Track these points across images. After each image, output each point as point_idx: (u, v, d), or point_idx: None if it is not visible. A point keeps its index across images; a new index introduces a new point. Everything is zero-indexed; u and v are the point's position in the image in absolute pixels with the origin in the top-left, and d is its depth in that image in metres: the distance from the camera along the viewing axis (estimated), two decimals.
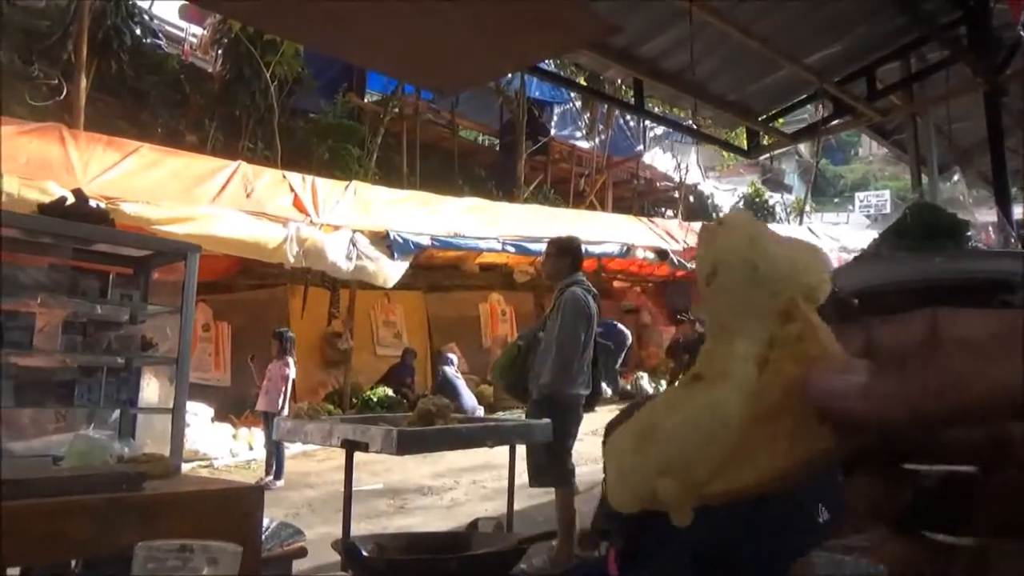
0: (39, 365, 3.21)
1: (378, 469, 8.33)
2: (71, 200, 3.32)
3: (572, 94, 19.25)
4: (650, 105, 7.14)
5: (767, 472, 0.30)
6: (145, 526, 2.18)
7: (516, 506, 4.01)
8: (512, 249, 11.05)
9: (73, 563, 2.62)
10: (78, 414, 3.26)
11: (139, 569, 0.85)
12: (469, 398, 11.30)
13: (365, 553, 2.82)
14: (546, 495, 4.62)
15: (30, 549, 2.10)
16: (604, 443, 0.32)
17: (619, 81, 8.91)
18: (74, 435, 2.83)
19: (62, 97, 11.26)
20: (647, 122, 18.32)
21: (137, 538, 0.89)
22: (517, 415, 5.75)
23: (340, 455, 3.28)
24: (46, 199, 4.12)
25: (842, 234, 18.06)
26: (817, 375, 0.28)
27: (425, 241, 10.02)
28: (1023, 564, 0.30)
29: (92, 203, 3.48)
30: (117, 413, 3.30)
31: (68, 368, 3.19)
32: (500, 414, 8.93)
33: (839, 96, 6.02)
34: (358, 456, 3.33)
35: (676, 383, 0.33)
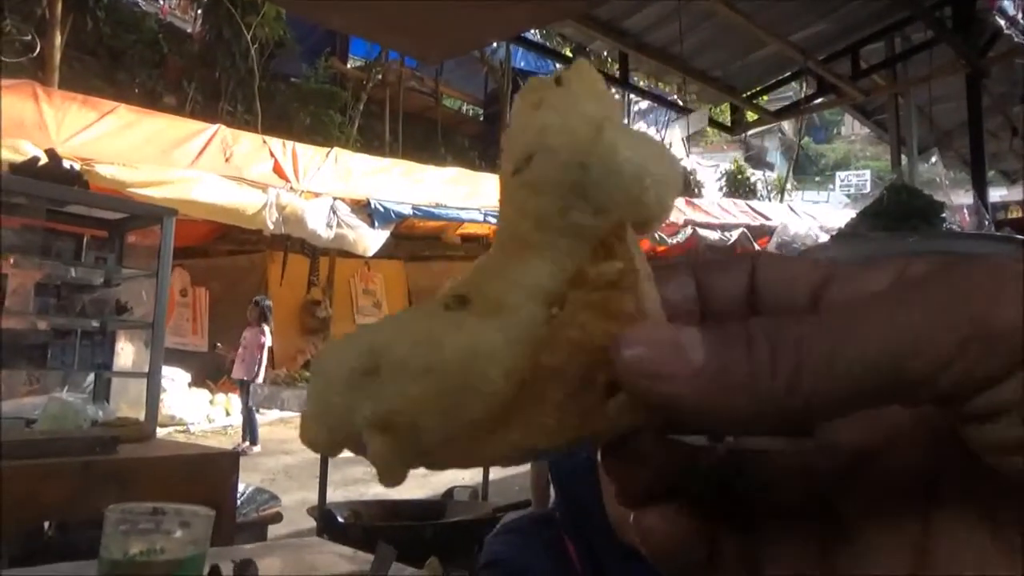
0: (12, 327, 3.17)
1: None
2: (44, 160, 3.26)
3: (558, 65, 19.08)
4: (635, 79, 7.11)
5: (518, 449, 0.23)
6: (119, 490, 2.18)
7: (493, 476, 4.04)
8: (494, 220, 10.99)
9: (46, 526, 2.61)
10: (52, 377, 3.24)
11: (111, 530, 0.85)
12: None
13: (341, 519, 2.84)
14: (523, 465, 4.66)
15: (3, 511, 2.09)
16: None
17: (604, 54, 8.84)
18: (48, 398, 2.81)
19: (36, 54, 10.97)
20: (632, 96, 18.22)
21: (111, 502, 0.89)
22: None
23: None
24: (19, 158, 4.04)
25: (822, 213, 18.18)
26: (633, 342, 0.21)
27: (406, 210, 9.95)
28: (799, 556, 0.24)
29: (66, 164, 3.42)
30: (92, 377, 3.27)
31: (41, 331, 3.16)
32: None
33: (823, 74, 6.03)
34: None
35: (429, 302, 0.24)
